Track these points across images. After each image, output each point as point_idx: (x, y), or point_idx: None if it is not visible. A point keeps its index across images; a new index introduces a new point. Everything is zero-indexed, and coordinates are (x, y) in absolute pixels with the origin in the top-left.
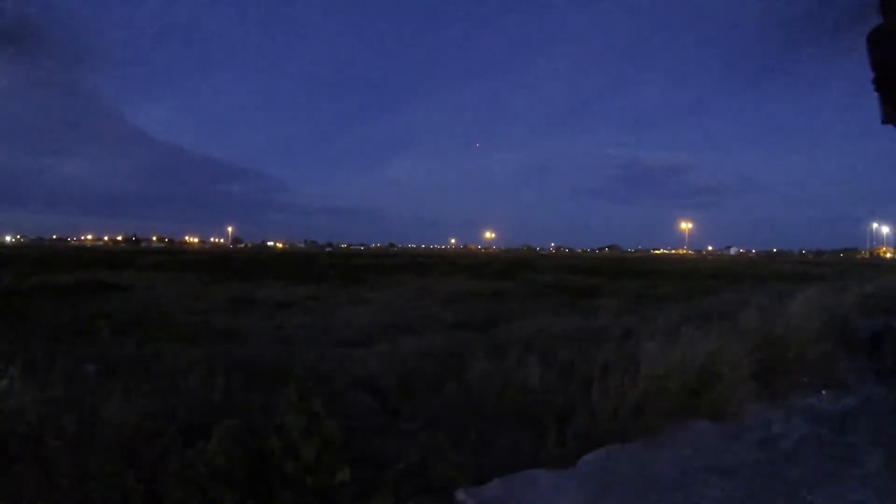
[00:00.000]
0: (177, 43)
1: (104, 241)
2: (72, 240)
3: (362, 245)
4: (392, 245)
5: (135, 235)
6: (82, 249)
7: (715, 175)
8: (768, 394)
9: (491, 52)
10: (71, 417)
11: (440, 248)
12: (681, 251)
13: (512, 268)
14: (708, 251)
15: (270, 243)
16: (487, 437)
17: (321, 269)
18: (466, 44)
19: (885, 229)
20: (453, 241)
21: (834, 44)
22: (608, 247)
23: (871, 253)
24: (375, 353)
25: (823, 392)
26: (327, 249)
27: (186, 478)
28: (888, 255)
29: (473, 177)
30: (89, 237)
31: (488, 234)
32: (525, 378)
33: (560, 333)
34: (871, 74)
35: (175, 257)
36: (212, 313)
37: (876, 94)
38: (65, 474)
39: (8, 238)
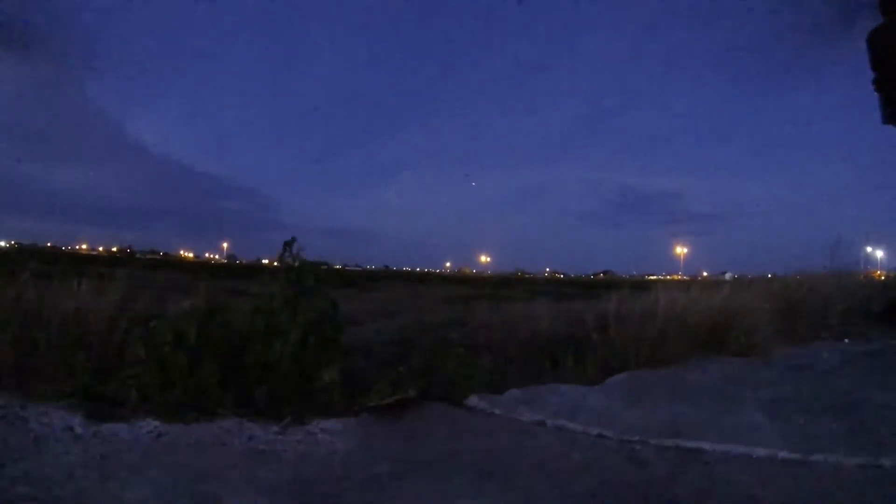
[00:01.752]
0: (178, 59)
1: (99, 251)
2: (66, 248)
3: (357, 266)
4: (387, 267)
5: (130, 247)
6: (72, 256)
7: (710, 200)
8: (793, 342)
9: (488, 76)
10: None
11: (435, 271)
12: (675, 277)
13: (498, 282)
14: (703, 276)
15: (265, 261)
16: (501, 368)
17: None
18: (464, 68)
19: (879, 253)
20: (448, 264)
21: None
22: (603, 272)
23: (864, 276)
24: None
25: (846, 340)
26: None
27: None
28: (882, 277)
29: (469, 201)
30: (84, 246)
31: (483, 258)
32: (534, 326)
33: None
34: (871, 75)
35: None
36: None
37: (876, 94)
38: None
39: (2, 243)
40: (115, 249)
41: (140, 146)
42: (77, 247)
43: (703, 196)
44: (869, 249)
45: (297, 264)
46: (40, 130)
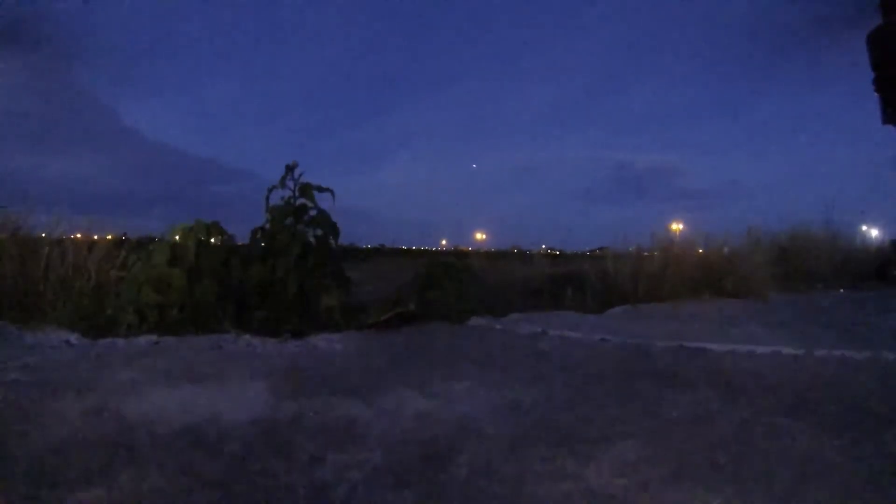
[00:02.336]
0: (171, 43)
1: (94, 239)
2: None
3: (352, 244)
4: (383, 245)
5: (125, 234)
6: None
7: (706, 178)
8: (788, 290)
9: (484, 54)
10: None
11: (430, 249)
12: None
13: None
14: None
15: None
16: (502, 299)
17: None
18: (460, 46)
19: (874, 232)
20: (444, 241)
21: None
22: (599, 249)
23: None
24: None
25: (841, 290)
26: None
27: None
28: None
29: (466, 178)
30: (78, 235)
31: (479, 236)
32: (533, 272)
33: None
34: (870, 75)
35: None
36: None
37: (876, 94)
38: None
39: None
40: (109, 237)
41: (133, 131)
42: (71, 236)
43: (700, 173)
44: (864, 228)
45: (297, 187)
46: (32, 119)
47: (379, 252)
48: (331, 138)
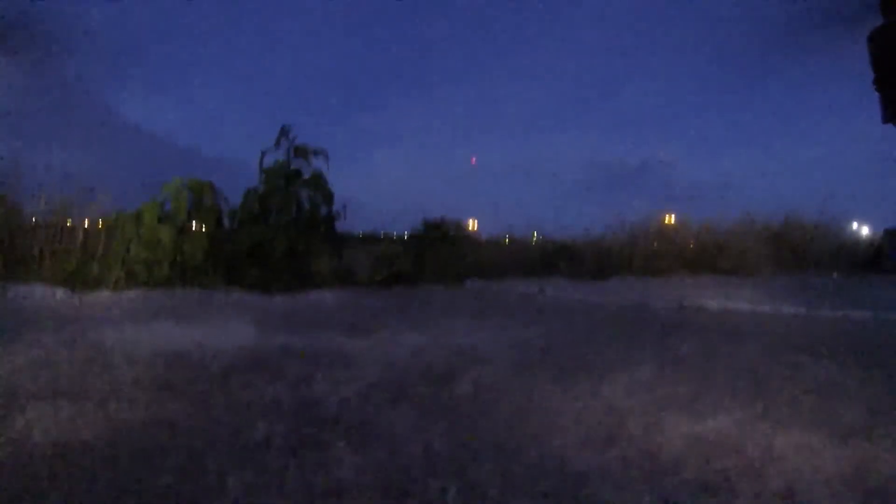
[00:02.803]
0: (162, 35)
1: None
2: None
3: (346, 231)
4: (374, 233)
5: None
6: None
7: (700, 173)
8: (782, 273)
9: (479, 46)
10: None
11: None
12: None
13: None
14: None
15: None
16: (496, 271)
17: None
18: (454, 39)
19: (864, 230)
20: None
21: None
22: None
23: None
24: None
25: (835, 275)
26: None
27: None
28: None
29: (459, 171)
30: (68, 224)
31: (472, 226)
32: (527, 250)
33: None
34: (871, 74)
35: None
36: None
37: (877, 93)
38: None
39: None
40: (100, 226)
41: (125, 123)
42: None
43: (693, 168)
44: (855, 226)
45: (292, 148)
46: (27, 112)
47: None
48: (325, 129)
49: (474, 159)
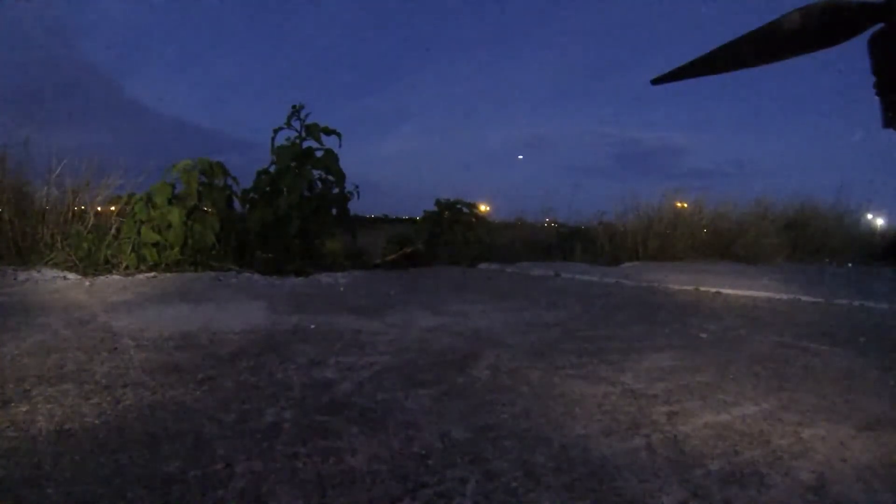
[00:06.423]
0: (175, 15)
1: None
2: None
3: (356, 214)
4: (386, 216)
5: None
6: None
7: (711, 157)
8: (797, 261)
9: (490, 28)
10: None
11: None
12: None
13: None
14: None
15: None
16: (511, 255)
17: None
18: (466, 19)
19: (879, 221)
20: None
21: None
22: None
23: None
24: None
25: (850, 265)
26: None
27: None
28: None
29: (470, 151)
30: (82, 207)
31: (483, 208)
32: (542, 233)
33: None
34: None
35: None
36: None
37: (876, 98)
38: None
39: None
40: (113, 209)
41: (137, 104)
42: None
43: (705, 152)
44: (870, 216)
45: (304, 127)
46: (35, 92)
47: (383, 220)
48: (338, 108)
49: (521, 157)
